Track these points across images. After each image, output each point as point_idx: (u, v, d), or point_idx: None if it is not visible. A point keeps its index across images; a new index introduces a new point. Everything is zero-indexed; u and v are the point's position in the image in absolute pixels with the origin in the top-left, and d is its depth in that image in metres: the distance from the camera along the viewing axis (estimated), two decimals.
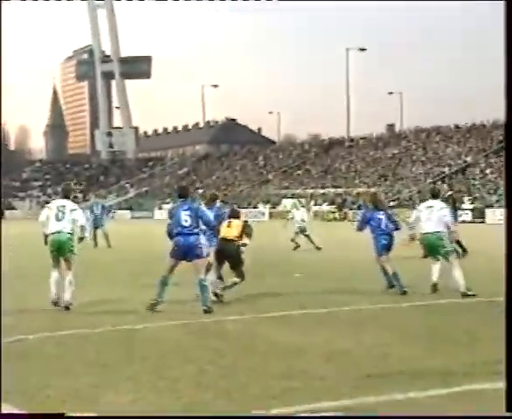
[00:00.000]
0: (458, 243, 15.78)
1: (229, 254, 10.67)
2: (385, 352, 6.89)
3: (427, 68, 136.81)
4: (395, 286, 11.10)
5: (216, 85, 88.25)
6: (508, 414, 4.10)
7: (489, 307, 9.60)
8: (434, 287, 10.98)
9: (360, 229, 11.96)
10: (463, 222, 40.23)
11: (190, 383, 5.88)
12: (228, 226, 10.78)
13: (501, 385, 5.58)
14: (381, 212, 11.69)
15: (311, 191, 59.73)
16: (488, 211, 43.47)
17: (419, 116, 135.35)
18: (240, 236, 10.74)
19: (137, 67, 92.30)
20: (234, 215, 11.17)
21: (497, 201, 44.75)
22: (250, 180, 72.04)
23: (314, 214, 52.12)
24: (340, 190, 57.70)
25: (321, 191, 58.72)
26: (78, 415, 4.81)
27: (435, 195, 11.44)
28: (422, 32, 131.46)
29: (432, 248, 11.09)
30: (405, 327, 8.21)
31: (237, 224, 10.83)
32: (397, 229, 11.64)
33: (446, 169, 56.15)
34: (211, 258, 10.72)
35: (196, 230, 9.69)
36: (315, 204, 55.34)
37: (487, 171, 52.96)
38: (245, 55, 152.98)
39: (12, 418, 4.63)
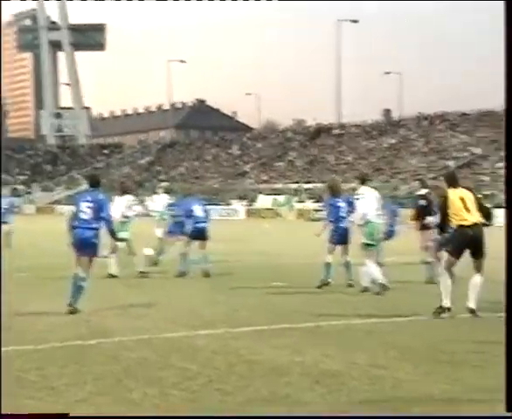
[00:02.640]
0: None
1: None
2: (379, 374, 6.98)
3: (430, 48, 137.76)
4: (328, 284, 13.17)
5: (184, 61, 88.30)
6: (509, 414, 4.37)
7: (499, 323, 9.74)
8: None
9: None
10: None
11: (151, 409, 5.91)
12: None
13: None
14: (340, 199, 13.58)
15: (294, 186, 59.88)
16: (499, 212, 43.90)
17: (421, 101, 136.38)
18: None
19: (90, 37, 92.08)
20: None
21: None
22: (223, 172, 72.10)
23: (298, 212, 52.41)
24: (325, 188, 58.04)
25: (307, 186, 58.87)
26: (80, 415, 4.95)
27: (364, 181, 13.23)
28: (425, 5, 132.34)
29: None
30: (403, 346, 8.30)
31: None
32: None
33: (452, 163, 56.56)
34: None
35: (95, 225, 10.20)
36: (299, 201, 55.51)
37: (499, 165, 53.42)
38: (219, 27, 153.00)
39: (12, 418, 4.87)
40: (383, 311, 10.80)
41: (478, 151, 57.31)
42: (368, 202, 12.84)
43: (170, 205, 17.46)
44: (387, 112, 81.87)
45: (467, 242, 10.36)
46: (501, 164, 53.76)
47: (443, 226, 10.85)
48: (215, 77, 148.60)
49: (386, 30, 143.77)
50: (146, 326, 9.47)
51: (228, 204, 60.30)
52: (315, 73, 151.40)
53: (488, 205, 49.29)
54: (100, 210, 10.38)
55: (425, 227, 16.38)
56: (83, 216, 10.31)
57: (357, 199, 12.95)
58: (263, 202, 58.55)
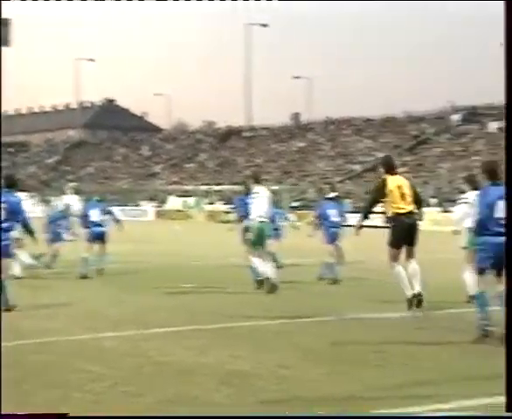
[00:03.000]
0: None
1: None
2: (285, 374, 7.08)
3: (340, 52, 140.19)
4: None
5: (92, 60, 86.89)
6: (509, 414, 4.41)
7: (401, 324, 10.03)
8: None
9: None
10: (374, 227, 41.75)
11: (53, 412, 5.81)
12: None
13: (412, 410, 5.90)
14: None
15: (205, 188, 59.84)
16: None
17: (328, 106, 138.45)
18: None
19: None
20: None
21: None
22: (133, 173, 71.40)
23: (208, 214, 52.39)
24: (239, 188, 58.07)
25: (217, 188, 58.93)
26: (79, 415, 4.93)
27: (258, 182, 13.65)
28: (333, 10, 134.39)
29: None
30: (309, 346, 8.44)
31: None
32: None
33: (357, 166, 57.69)
34: None
35: (5, 225, 10.25)
36: (209, 203, 55.51)
37: (401, 170, 54.78)
38: (129, 26, 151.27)
39: (12, 418, 4.90)
40: (291, 312, 10.94)
41: (381, 155, 58.64)
42: (262, 202, 13.20)
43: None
44: (296, 115, 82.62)
45: (405, 231, 10.49)
46: (404, 169, 55.21)
47: (366, 209, 10.91)
48: (125, 77, 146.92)
49: (296, 33, 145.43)
50: (53, 328, 9.31)
51: (138, 205, 59.71)
52: (226, 76, 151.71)
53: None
54: (13, 212, 10.36)
55: None
56: None
57: (253, 198, 13.28)
58: (173, 203, 58.24)
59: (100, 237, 15.53)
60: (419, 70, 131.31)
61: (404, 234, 10.50)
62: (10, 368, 7.15)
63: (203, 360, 7.63)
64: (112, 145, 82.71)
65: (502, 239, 8.09)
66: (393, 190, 10.62)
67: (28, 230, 11.08)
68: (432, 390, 6.53)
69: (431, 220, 42.39)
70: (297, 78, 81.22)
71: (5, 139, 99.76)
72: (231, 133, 74.93)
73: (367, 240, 20.08)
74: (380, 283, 14.95)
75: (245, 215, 13.82)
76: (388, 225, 10.83)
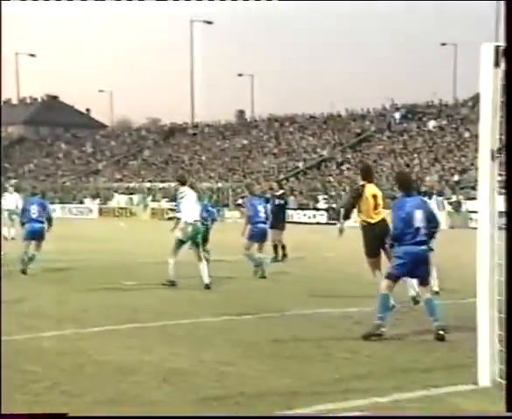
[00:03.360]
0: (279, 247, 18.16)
1: None
2: (225, 371, 7.07)
3: (284, 50, 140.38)
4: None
5: (33, 55, 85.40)
6: (509, 414, 4.43)
7: (342, 319, 10.12)
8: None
9: None
10: (317, 223, 42.09)
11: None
12: None
13: (358, 403, 5.96)
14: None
15: (148, 185, 59.47)
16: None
17: (273, 103, 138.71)
18: None
19: None
20: None
21: None
22: (75, 170, 70.53)
23: (152, 212, 52.08)
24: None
25: (161, 185, 58.61)
26: (79, 415, 4.89)
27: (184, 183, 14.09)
28: (277, 9, 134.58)
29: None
30: (250, 343, 8.44)
31: None
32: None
33: (301, 164, 58.04)
34: None
35: None
36: (154, 200, 55.19)
37: (344, 167, 55.39)
38: (69, 20, 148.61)
39: (12, 418, 4.91)
40: (234, 309, 10.93)
41: (325, 153, 59.14)
42: (190, 202, 13.53)
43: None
44: (240, 113, 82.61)
45: (377, 238, 10.61)
46: (346, 166, 55.77)
47: (347, 213, 11.09)
48: (67, 73, 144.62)
49: (240, 31, 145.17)
50: None
51: (81, 202, 58.99)
52: (170, 73, 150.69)
53: (335, 205, 49.86)
54: None
55: (276, 226, 17.46)
56: None
57: (181, 198, 13.64)
58: (117, 200, 57.68)
59: (36, 234, 15.30)
60: (361, 68, 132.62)
61: (377, 242, 10.65)
62: None
63: (144, 359, 7.57)
64: (53, 141, 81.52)
65: (422, 248, 8.65)
66: (369, 199, 10.85)
67: None
68: (372, 384, 6.61)
69: None
70: (240, 75, 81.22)
71: None
72: (175, 130, 74.56)
73: (309, 237, 20.26)
74: (321, 278, 15.09)
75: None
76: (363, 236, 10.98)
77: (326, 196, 48.60)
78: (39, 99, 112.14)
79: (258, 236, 15.27)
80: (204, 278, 13.13)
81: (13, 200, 19.93)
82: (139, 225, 41.71)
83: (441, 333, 8.57)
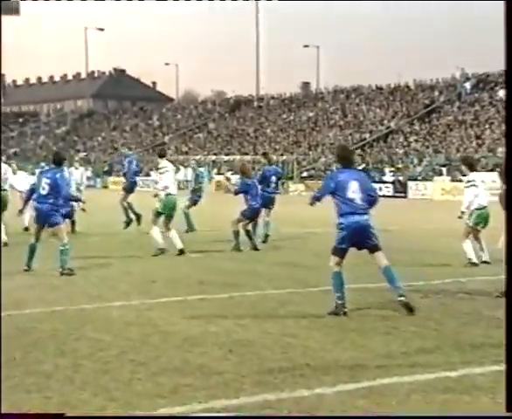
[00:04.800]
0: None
1: None
2: (290, 343, 7.10)
3: (346, 20, 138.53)
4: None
5: (102, 29, 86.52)
6: (508, 414, 4.37)
7: (408, 293, 10.03)
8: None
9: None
10: (383, 196, 41.71)
11: (63, 380, 5.87)
12: None
13: (419, 377, 5.91)
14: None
15: (214, 158, 59.75)
16: (412, 184, 44.88)
17: (338, 75, 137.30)
18: None
19: (3, 1, 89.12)
20: None
21: (420, 173, 46.36)
22: (142, 142, 71.37)
23: (217, 185, 52.38)
24: (248, 158, 57.81)
25: (226, 158, 58.85)
26: (78, 415, 4.92)
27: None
28: None
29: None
30: (314, 316, 8.45)
31: None
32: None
33: (367, 136, 57.47)
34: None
35: (50, 199, 11.54)
36: (219, 173, 55.44)
37: (411, 139, 54.59)
38: None
39: (12, 418, 4.90)
40: (295, 282, 10.94)
41: (392, 125, 58.38)
42: (169, 176, 14.08)
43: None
44: (305, 85, 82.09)
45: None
46: (413, 138, 54.95)
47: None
48: (133, 46, 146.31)
49: (305, 3, 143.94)
50: (58, 299, 9.37)
51: (148, 175, 59.76)
52: (235, 44, 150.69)
53: (402, 177, 49.45)
54: (55, 187, 11.58)
55: None
56: (42, 191, 11.63)
57: (161, 173, 14.15)
58: (184, 173, 58.17)
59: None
60: (430, 37, 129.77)
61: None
62: (18, 337, 7.21)
63: (208, 330, 7.65)
64: (121, 115, 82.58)
65: (362, 218, 8.57)
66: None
67: (73, 199, 14.67)
68: (440, 358, 6.55)
69: (441, 189, 42.33)
70: (306, 46, 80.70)
71: (14, 108, 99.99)
72: (240, 103, 74.64)
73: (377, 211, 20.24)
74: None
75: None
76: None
77: (393, 169, 47.99)
78: (107, 73, 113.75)
79: None
80: (177, 245, 13.81)
81: (78, 174, 20.42)
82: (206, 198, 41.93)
83: (403, 299, 8.45)
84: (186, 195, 19.70)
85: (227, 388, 5.70)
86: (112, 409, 5.19)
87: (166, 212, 13.87)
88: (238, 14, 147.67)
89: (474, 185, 12.89)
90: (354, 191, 8.64)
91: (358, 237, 8.63)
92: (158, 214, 13.97)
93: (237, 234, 14.73)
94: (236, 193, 15.55)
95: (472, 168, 13.23)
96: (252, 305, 9.18)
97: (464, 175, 13.60)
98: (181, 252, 13.79)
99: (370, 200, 8.82)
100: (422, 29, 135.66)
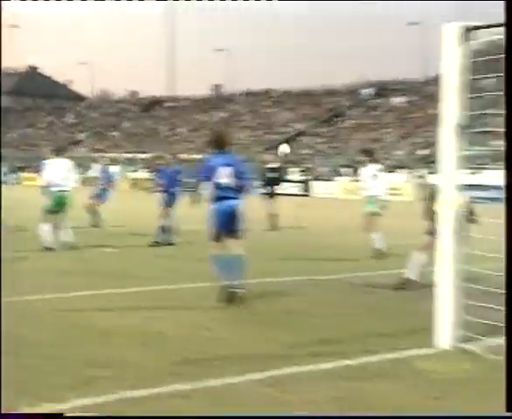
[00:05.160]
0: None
1: None
2: (203, 335, 7.14)
3: (260, 26, 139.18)
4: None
5: (16, 26, 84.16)
6: (508, 414, 4.29)
7: (308, 285, 10.23)
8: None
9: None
10: (291, 195, 42.13)
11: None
12: None
13: (322, 366, 6.04)
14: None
15: (129, 156, 59.06)
16: (317, 184, 45.70)
17: (249, 78, 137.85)
18: None
19: None
20: None
21: (325, 173, 47.25)
22: (57, 140, 69.87)
23: (132, 182, 51.79)
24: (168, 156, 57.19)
25: (142, 156, 58.25)
26: (77, 415, 4.77)
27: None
28: None
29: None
30: (226, 309, 8.50)
31: None
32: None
33: (277, 137, 57.99)
34: None
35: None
36: (134, 171, 54.87)
37: (318, 140, 55.47)
38: None
39: (12, 418, 4.75)
40: (209, 276, 10.95)
41: (300, 127, 59.10)
42: (54, 170, 13.61)
43: None
44: (217, 87, 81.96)
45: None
46: (319, 140, 55.81)
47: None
48: (48, 43, 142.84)
49: (218, 9, 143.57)
50: None
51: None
52: (149, 45, 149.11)
53: (309, 177, 50.38)
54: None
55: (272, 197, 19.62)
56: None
57: (50, 168, 13.70)
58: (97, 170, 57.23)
59: None
60: (334, 45, 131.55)
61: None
62: None
63: (119, 322, 7.60)
64: (36, 112, 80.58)
65: (231, 203, 8.48)
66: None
67: None
68: (341, 348, 6.70)
69: (344, 188, 43.10)
70: (218, 50, 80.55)
71: None
72: (154, 103, 74.01)
73: (286, 209, 20.49)
74: (294, 245, 15.16)
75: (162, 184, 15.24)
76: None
77: (300, 169, 48.61)
78: (22, 71, 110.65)
79: None
80: (66, 240, 13.63)
81: None
82: (119, 196, 41.47)
83: (232, 290, 8.42)
84: (94, 191, 19.55)
85: (140, 378, 5.67)
86: (25, 402, 5.08)
87: (55, 207, 13.52)
88: (153, 15, 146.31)
89: (374, 174, 13.35)
90: (225, 176, 8.49)
91: (226, 222, 8.49)
92: (48, 211, 13.57)
93: (162, 229, 14.80)
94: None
95: (371, 159, 13.73)
96: (166, 298, 9.16)
97: (364, 166, 14.02)
98: (69, 248, 13.44)
99: (243, 185, 8.64)
100: (327, 38, 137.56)
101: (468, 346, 6.50)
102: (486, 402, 5.26)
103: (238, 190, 8.62)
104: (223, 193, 8.52)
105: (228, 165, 8.55)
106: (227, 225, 8.56)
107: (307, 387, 5.56)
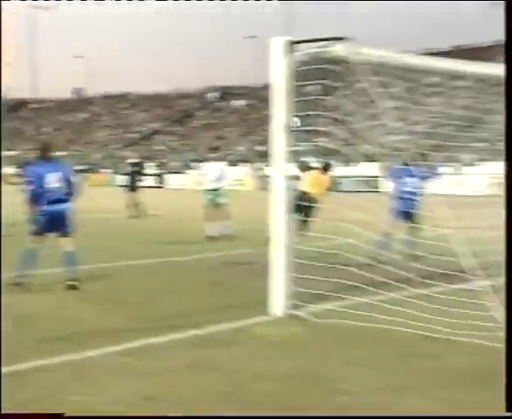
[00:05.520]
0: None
1: None
2: (62, 314, 6.90)
3: (117, 34, 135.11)
4: None
5: None
6: (508, 414, 4.08)
7: (163, 266, 10.16)
8: None
9: None
10: (148, 187, 41.65)
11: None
12: None
13: (173, 336, 6.00)
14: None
15: None
16: (170, 176, 45.78)
17: (107, 81, 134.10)
18: None
19: None
20: None
21: (177, 167, 47.25)
22: None
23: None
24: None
25: (10, 154, 55.40)
26: (77, 415, 4.31)
27: None
28: None
29: None
30: (86, 290, 8.25)
31: None
32: None
33: (135, 135, 57.20)
34: None
35: None
36: None
37: (170, 138, 55.24)
38: None
39: (12, 418, 4.37)
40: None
41: (155, 126, 58.55)
42: None
43: None
44: (77, 90, 79.18)
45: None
46: (172, 138, 55.54)
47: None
48: None
49: (78, 18, 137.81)
50: None
51: None
52: (10, 47, 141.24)
53: (163, 171, 49.87)
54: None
55: (134, 189, 19.26)
56: None
57: None
58: None
59: None
60: (180, 53, 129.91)
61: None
62: None
63: None
64: None
65: (59, 207, 8.39)
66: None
67: None
68: (190, 320, 6.69)
69: (194, 181, 43.20)
70: (77, 57, 77.75)
71: None
72: (19, 105, 70.52)
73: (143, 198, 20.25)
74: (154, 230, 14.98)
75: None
76: None
77: (155, 163, 48.24)
78: None
79: None
80: None
81: None
82: None
83: (72, 283, 8.25)
84: None
85: (5, 355, 5.39)
86: None
87: None
88: (17, 25, 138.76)
89: (218, 169, 13.88)
90: (52, 182, 8.31)
91: (56, 223, 8.35)
92: None
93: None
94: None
95: (215, 157, 14.30)
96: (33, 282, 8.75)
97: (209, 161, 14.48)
98: None
99: (69, 189, 8.47)
100: (180, 47, 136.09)
101: (297, 313, 6.69)
102: (311, 357, 5.45)
103: (66, 194, 8.45)
104: (53, 196, 8.31)
105: (56, 171, 8.38)
106: (58, 226, 8.40)
107: (162, 355, 5.51)
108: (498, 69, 8.99)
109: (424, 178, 10.10)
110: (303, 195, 10.59)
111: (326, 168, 11.94)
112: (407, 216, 10.11)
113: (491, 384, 4.72)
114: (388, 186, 10.89)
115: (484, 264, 6.19)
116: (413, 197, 10.03)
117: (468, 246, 6.03)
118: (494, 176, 34.25)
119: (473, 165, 33.11)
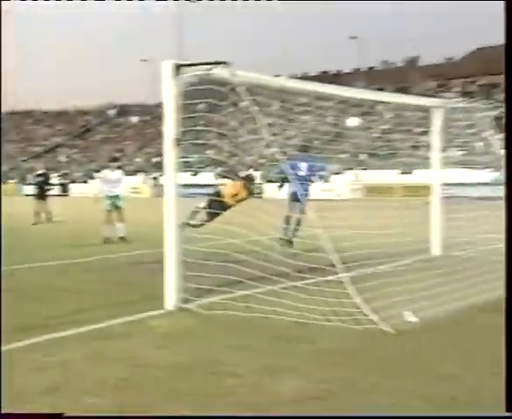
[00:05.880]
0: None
1: None
2: None
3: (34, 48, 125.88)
4: None
5: None
6: (508, 414, 3.82)
7: (68, 267, 9.75)
8: None
9: None
10: (52, 195, 40.00)
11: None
12: None
13: (77, 330, 5.73)
14: None
15: None
16: (73, 186, 44.74)
17: (13, 99, 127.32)
18: None
19: None
20: None
21: (79, 177, 46.00)
22: None
23: None
24: None
25: None
26: (77, 415, 3.87)
27: None
28: None
29: None
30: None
31: None
32: None
33: (38, 148, 55.02)
34: None
35: None
36: None
37: (73, 151, 53.60)
38: None
39: (12, 418, 3.93)
40: None
41: (58, 140, 56.51)
42: None
43: None
44: None
45: None
46: (74, 150, 53.71)
47: None
48: None
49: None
50: None
51: None
52: None
53: (67, 180, 48.27)
54: None
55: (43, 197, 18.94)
56: None
57: None
58: None
59: None
60: (88, 71, 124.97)
61: None
62: None
63: None
64: None
65: None
66: None
67: None
68: (91, 315, 6.44)
69: (94, 187, 42.19)
70: None
71: None
72: None
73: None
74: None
75: None
76: None
77: (59, 174, 46.83)
78: None
79: None
80: None
81: None
82: None
83: None
84: None
85: None
86: None
87: None
88: None
89: (116, 178, 13.61)
90: None
91: None
92: None
93: None
94: None
95: (114, 166, 14.02)
96: None
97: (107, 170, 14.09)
98: None
99: None
100: (83, 65, 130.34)
101: (187, 306, 6.61)
102: (200, 345, 5.38)
103: None
104: None
105: None
106: None
107: (65, 348, 5.25)
108: (357, 93, 9.38)
109: (315, 169, 10.26)
110: (219, 202, 10.35)
111: (246, 177, 11.74)
112: (300, 199, 9.73)
113: (360, 362, 4.86)
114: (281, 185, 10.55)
115: (345, 259, 6.39)
116: (306, 183, 10.05)
117: (333, 243, 6.19)
118: (355, 183, 35.76)
119: (341, 173, 34.31)
